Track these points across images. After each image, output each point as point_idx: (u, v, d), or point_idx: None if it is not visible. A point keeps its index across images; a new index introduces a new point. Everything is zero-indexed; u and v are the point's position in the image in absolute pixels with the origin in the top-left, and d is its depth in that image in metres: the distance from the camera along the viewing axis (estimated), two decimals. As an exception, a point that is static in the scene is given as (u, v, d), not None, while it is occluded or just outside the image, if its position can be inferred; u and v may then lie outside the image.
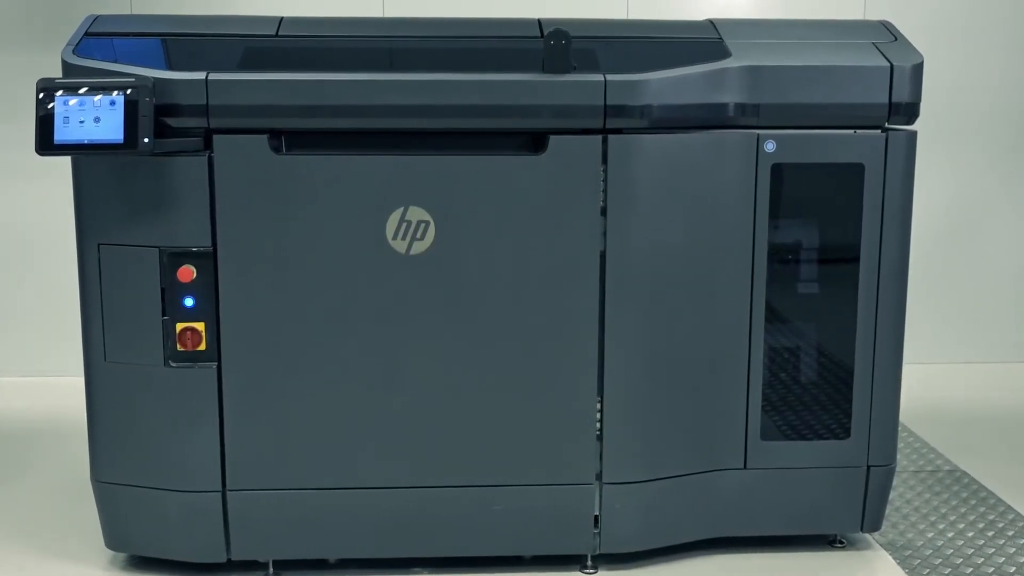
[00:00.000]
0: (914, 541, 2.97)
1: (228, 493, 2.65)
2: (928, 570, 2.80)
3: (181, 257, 2.54)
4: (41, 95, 2.40)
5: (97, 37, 2.62)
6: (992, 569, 2.81)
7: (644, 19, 2.99)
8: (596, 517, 2.73)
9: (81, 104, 2.39)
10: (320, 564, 2.76)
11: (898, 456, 2.96)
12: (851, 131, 2.67)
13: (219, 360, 2.58)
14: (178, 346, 2.56)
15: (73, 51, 2.55)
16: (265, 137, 2.52)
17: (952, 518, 3.13)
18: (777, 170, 2.65)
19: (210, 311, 2.56)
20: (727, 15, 4.29)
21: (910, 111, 2.68)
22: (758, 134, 2.63)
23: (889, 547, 2.93)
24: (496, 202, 2.57)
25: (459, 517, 2.70)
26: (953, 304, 4.69)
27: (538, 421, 2.66)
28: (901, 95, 2.66)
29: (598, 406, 2.68)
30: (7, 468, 3.47)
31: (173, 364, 2.58)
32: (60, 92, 2.40)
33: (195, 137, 2.51)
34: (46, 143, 2.39)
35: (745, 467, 2.77)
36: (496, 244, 2.59)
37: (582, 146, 2.56)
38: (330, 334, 2.59)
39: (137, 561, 2.78)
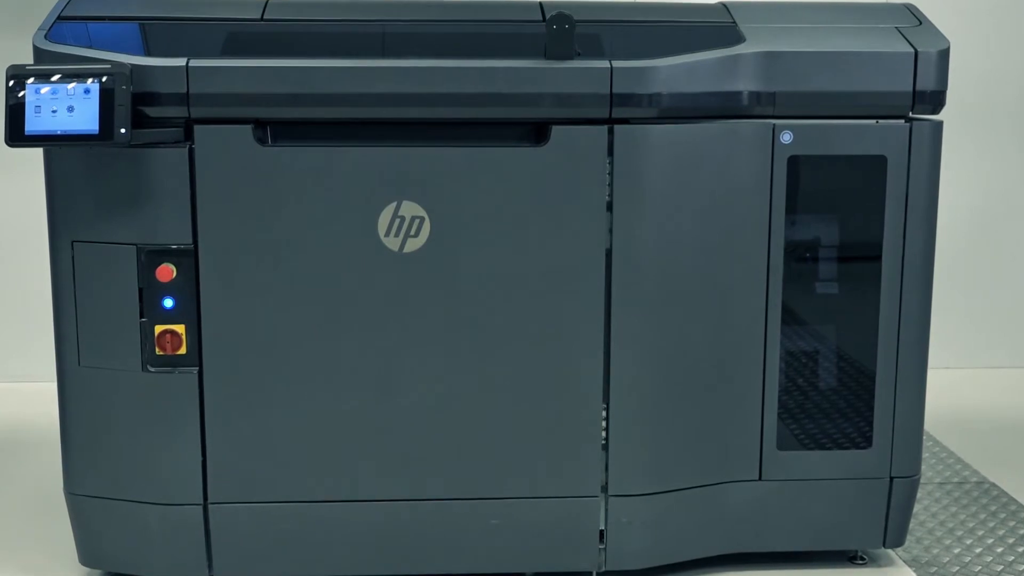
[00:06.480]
0: (940, 557, 2.97)
1: (210, 506, 2.65)
2: (955, 588, 2.81)
3: (160, 255, 2.54)
4: (11, 83, 2.40)
5: (71, 21, 2.62)
6: (1023, 587, 2.82)
7: (653, 2, 2.99)
8: (601, 532, 2.74)
9: (54, 92, 2.39)
10: (308, 582, 2.77)
11: (923, 467, 2.96)
12: (873, 121, 2.67)
13: (200, 365, 2.59)
14: (157, 350, 2.57)
15: (45, 36, 2.55)
16: (249, 127, 2.52)
17: (980, 532, 3.13)
18: (794, 162, 2.66)
19: (191, 313, 2.57)
20: (741, -3, 4.29)
21: (935, 100, 2.68)
22: (774, 124, 2.63)
23: (913, 563, 2.93)
24: (495, 197, 2.57)
25: (456, 532, 2.71)
26: (981, 305, 4.69)
27: (539, 430, 2.66)
28: (926, 83, 2.66)
29: (603, 414, 2.68)
30: (-25, 479, 3.47)
31: (151, 369, 2.58)
32: (31, 80, 2.40)
33: (175, 127, 2.51)
34: (16, 134, 2.39)
35: (760, 478, 2.77)
36: (495, 241, 2.59)
37: (587, 137, 2.57)
38: (318, 337, 2.59)
39: (113, 578, 2.79)
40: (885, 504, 2.82)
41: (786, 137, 2.64)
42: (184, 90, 2.48)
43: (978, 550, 3.02)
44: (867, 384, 2.76)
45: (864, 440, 2.78)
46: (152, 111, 2.49)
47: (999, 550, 3.02)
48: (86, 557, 2.74)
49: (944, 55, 2.67)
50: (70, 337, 2.59)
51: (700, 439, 2.72)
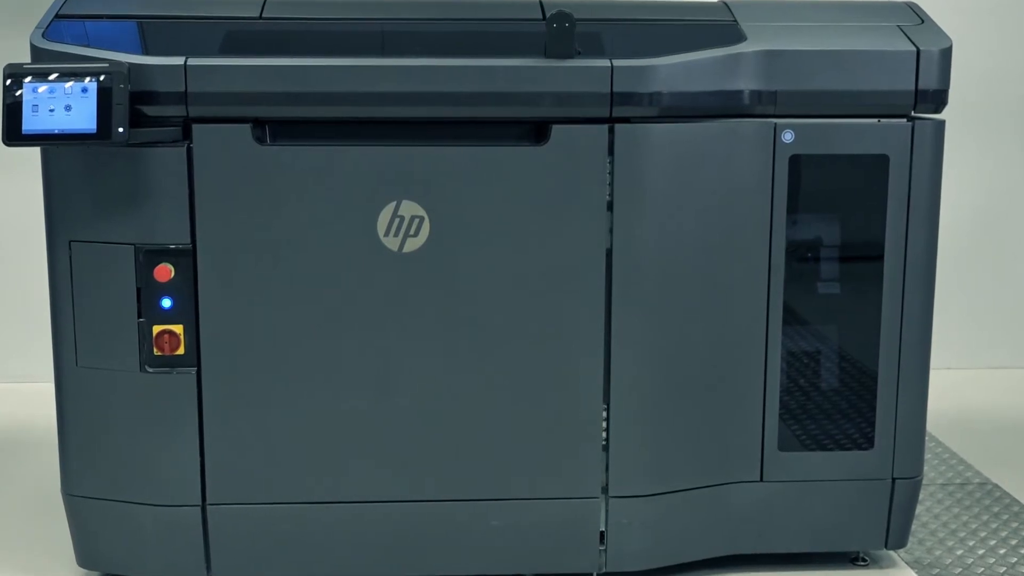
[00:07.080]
0: (942, 559, 2.97)
1: (208, 507, 2.65)
2: (957, 590, 2.80)
3: (158, 255, 2.53)
4: (8, 82, 2.39)
5: (69, 19, 2.61)
6: (1025, 589, 2.81)
7: (653, 0, 2.98)
8: (602, 533, 2.73)
9: (51, 91, 2.39)
10: (307, 583, 2.76)
11: (925, 468, 2.95)
12: (875, 120, 2.66)
13: (199, 365, 2.58)
14: (155, 350, 2.56)
15: (43, 34, 2.54)
16: (248, 127, 2.52)
17: (983, 534, 3.12)
18: (795, 162, 2.65)
19: (189, 313, 2.56)
20: (742, -4, 4.28)
21: (938, 99, 2.67)
22: (775, 123, 2.63)
23: (915, 565, 2.93)
24: (495, 196, 2.56)
25: (455, 533, 2.70)
26: (983, 306, 4.68)
27: (539, 430, 2.66)
28: (928, 82, 2.65)
29: (604, 414, 2.67)
30: (-27, 480, 3.47)
31: (149, 369, 2.57)
32: (29, 79, 2.39)
33: (173, 127, 2.51)
34: (13, 133, 2.38)
35: (761, 479, 2.77)
36: (495, 241, 2.58)
37: (587, 136, 2.56)
38: (317, 338, 2.59)
39: (111, 580, 2.78)
40: (887, 505, 2.81)
41: (787, 136, 2.63)
42: (182, 89, 2.47)
43: (981, 551, 3.01)
44: (869, 384, 2.75)
45: (866, 441, 2.77)
46: (150, 110, 2.48)
47: (1002, 551, 3.01)
48: (84, 558, 2.73)
49: (946, 54, 2.66)
50: (68, 337, 2.59)
51: (701, 439, 2.71)
